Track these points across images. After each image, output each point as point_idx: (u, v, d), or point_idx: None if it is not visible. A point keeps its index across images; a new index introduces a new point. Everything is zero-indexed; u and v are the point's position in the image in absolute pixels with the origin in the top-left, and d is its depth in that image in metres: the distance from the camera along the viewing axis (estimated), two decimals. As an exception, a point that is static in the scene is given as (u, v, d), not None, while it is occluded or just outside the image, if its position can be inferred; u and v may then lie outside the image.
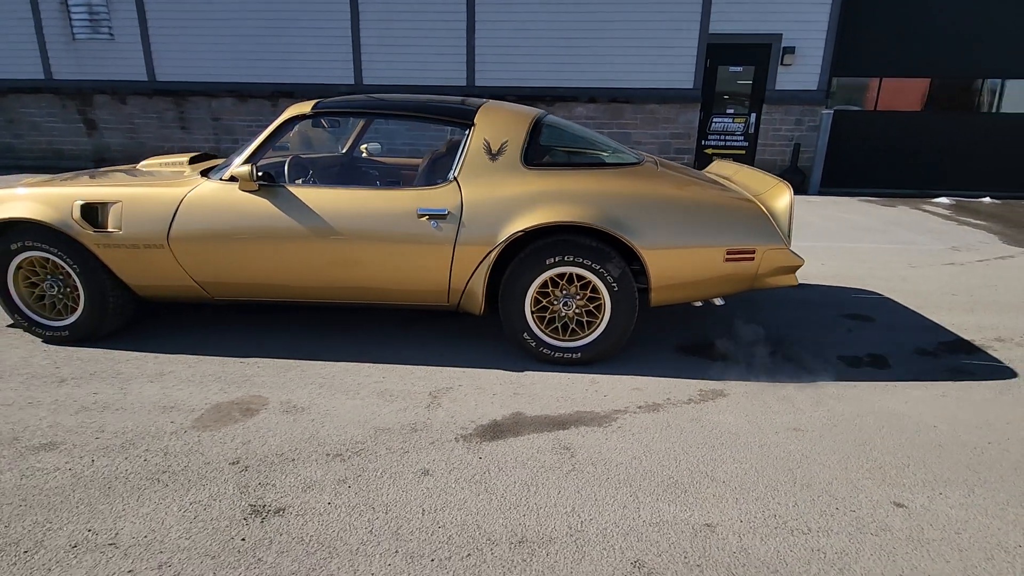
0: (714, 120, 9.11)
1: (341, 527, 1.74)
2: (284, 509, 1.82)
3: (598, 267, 2.65)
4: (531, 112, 3.00)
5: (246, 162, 2.79)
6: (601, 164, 2.87)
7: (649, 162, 3.03)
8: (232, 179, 2.78)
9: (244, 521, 1.76)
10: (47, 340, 3.02)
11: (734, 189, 2.89)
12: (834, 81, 8.95)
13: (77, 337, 2.98)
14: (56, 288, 2.95)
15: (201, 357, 2.87)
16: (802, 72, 8.75)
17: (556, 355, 2.80)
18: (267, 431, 2.24)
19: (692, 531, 1.75)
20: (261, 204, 2.74)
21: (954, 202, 8.08)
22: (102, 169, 3.62)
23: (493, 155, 2.72)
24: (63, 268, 2.90)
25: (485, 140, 2.74)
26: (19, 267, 2.92)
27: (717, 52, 8.78)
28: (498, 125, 2.79)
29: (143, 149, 10.01)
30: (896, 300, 3.91)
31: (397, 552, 1.65)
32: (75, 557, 1.62)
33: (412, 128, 9.08)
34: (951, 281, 4.38)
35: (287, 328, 3.23)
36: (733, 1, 8.55)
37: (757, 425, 2.33)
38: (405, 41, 9.13)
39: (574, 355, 2.79)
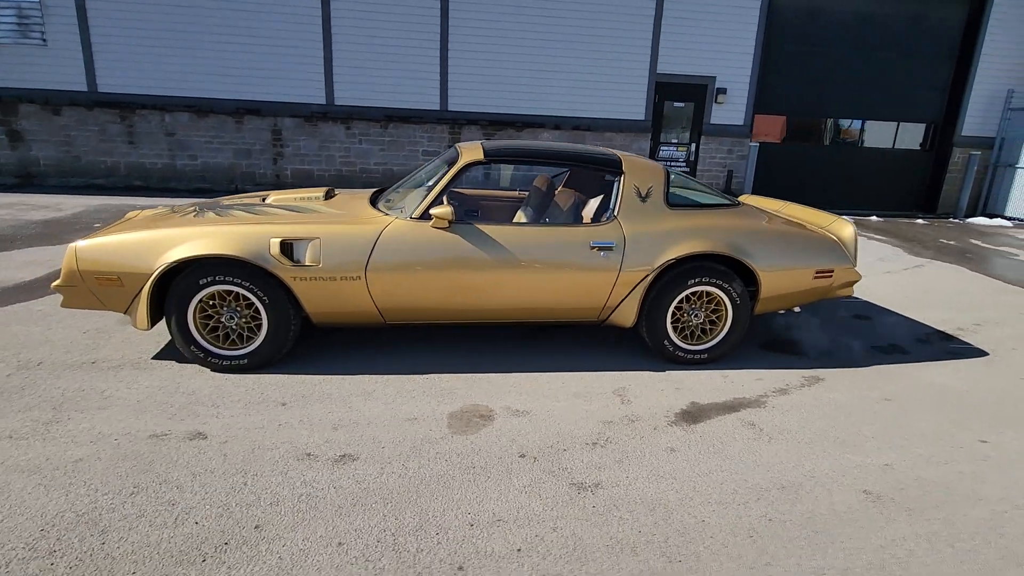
0: (662, 148, 10.34)
1: (652, 491, 2.30)
2: (598, 484, 2.33)
3: (726, 285, 3.39)
4: (659, 163, 3.69)
5: (434, 203, 3.19)
6: (716, 206, 3.62)
7: (742, 204, 3.84)
8: (424, 217, 3.17)
9: (579, 493, 2.25)
10: (218, 369, 3.16)
11: (812, 225, 3.78)
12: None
13: (254, 364, 3.16)
14: (235, 319, 3.12)
15: (387, 376, 3.19)
16: (732, 109, 10.26)
17: (688, 356, 3.49)
18: (519, 430, 2.70)
19: (880, 469, 2.52)
20: (452, 239, 3.15)
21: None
22: (224, 201, 3.74)
23: (643, 198, 3.37)
24: (246, 299, 3.09)
25: (635, 186, 3.39)
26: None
27: (664, 89, 10.02)
28: (643, 174, 3.45)
29: (79, 164, 9.26)
30: (874, 303, 5.07)
31: (708, 503, 2.24)
32: (478, 531, 2.02)
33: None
34: (898, 286, 5.69)
35: (427, 346, 3.61)
36: (676, 48, 9.85)
37: (861, 398, 3.19)
38: (379, 63, 9.38)
39: (701, 356, 3.50)
